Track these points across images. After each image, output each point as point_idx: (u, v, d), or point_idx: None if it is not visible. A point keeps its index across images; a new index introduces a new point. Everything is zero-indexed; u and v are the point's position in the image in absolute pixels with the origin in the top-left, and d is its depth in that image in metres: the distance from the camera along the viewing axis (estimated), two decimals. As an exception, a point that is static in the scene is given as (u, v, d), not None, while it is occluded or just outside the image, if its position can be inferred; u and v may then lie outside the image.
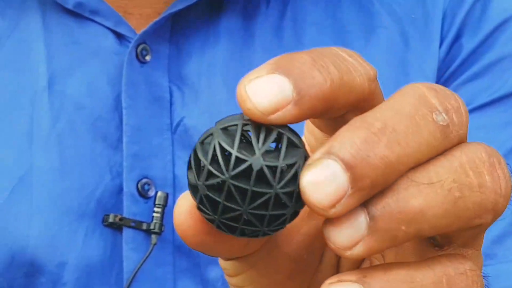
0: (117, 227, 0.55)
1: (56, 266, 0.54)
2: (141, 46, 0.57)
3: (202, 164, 0.25)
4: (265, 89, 0.24)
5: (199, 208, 0.26)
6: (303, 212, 0.27)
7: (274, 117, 0.24)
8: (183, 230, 0.27)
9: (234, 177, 0.25)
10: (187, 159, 0.58)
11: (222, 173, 0.25)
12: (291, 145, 0.25)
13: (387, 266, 0.26)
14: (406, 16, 0.60)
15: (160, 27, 0.57)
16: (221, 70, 0.58)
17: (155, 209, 0.55)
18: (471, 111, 0.59)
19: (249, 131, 0.25)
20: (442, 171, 0.25)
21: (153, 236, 0.55)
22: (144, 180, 0.55)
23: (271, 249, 0.31)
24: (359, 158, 0.24)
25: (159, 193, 0.55)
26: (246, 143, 0.25)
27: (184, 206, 0.27)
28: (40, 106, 0.55)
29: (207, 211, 0.25)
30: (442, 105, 0.25)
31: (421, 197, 0.25)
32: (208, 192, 0.25)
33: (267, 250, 0.31)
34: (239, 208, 0.25)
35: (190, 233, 0.27)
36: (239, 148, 0.25)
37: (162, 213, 0.55)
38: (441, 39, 0.60)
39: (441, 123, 0.25)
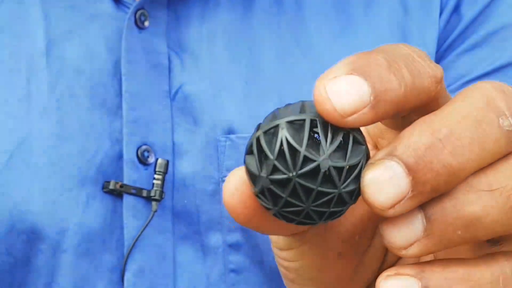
0: (117, 194, 0.54)
1: (56, 232, 0.53)
2: (139, 12, 0.56)
3: (266, 156, 0.25)
4: (345, 91, 0.24)
5: (258, 197, 0.26)
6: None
7: (350, 120, 0.24)
8: (232, 206, 0.27)
9: (300, 176, 0.25)
10: (186, 126, 0.57)
11: (289, 171, 0.25)
12: (356, 143, 0.25)
13: (445, 262, 0.26)
14: None
15: None
16: (221, 36, 0.57)
17: (156, 176, 0.55)
18: (470, 81, 0.60)
19: (315, 127, 0.25)
20: (503, 178, 0.25)
21: (154, 203, 0.55)
22: (143, 147, 0.55)
23: (325, 228, 0.31)
24: (422, 164, 0.24)
25: (159, 160, 0.55)
26: (313, 140, 0.25)
27: (235, 183, 0.27)
28: (38, 70, 0.54)
29: (267, 201, 0.26)
30: (510, 110, 0.25)
31: (480, 204, 0.25)
32: (271, 186, 0.25)
33: (320, 229, 0.31)
34: (302, 204, 0.25)
35: (240, 211, 0.27)
36: (307, 147, 0.25)
37: (163, 180, 0.55)
38: (441, 9, 0.60)
39: (507, 128, 0.25)
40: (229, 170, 0.56)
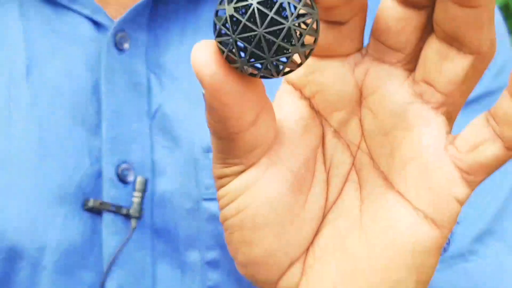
0: (96, 211, 0.55)
1: (36, 249, 0.54)
2: (119, 34, 0.58)
3: None
4: None
5: (219, 35, 0.29)
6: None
7: None
8: (200, 62, 0.30)
9: (260, 3, 0.28)
10: (165, 144, 0.57)
11: None
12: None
13: None
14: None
15: (137, 15, 0.58)
16: None
17: (135, 193, 0.55)
18: None
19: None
20: None
21: (133, 220, 0.55)
22: (123, 165, 0.56)
23: (274, 162, 0.33)
24: None
25: (138, 178, 0.56)
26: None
27: (202, 48, 0.30)
28: (18, 91, 0.56)
29: (227, 31, 0.29)
30: None
31: None
32: (234, 13, 0.28)
33: (268, 163, 0.32)
34: (256, 29, 0.28)
35: (207, 67, 0.30)
36: None
37: (142, 198, 0.56)
38: None
39: None
40: (208, 188, 0.57)
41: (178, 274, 0.57)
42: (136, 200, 0.55)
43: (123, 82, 0.57)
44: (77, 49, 0.57)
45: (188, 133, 0.57)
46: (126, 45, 0.58)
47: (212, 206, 0.57)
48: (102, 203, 0.55)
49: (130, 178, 0.56)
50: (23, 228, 0.53)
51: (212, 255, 0.57)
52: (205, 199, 0.57)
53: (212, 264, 0.57)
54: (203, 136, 0.57)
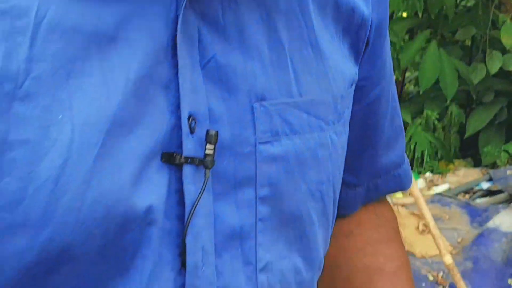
0: (177, 164, 0.57)
1: (139, 208, 0.55)
2: None
3: None
4: None
5: None
6: None
7: None
8: None
9: None
10: (220, 94, 0.61)
11: None
12: None
13: None
14: None
15: None
16: (247, 10, 0.61)
17: (208, 146, 0.58)
18: None
19: None
20: None
21: (207, 171, 0.58)
22: (191, 117, 0.58)
23: None
24: None
25: (210, 131, 0.58)
26: None
27: None
28: (108, 54, 0.55)
29: None
30: None
31: None
32: None
33: None
34: None
35: None
36: None
37: (214, 150, 0.58)
38: None
39: None
40: (264, 132, 0.62)
41: (234, 210, 0.61)
42: (209, 152, 0.58)
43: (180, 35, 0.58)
44: (158, 8, 0.57)
45: (242, 83, 0.60)
46: None
47: (268, 148, 0.62)
48: (178, 155, 0.57)
49: (197, 129, 0.58)
50: (128, 189, 0.55)
51: (264, 192, 0.62)
52: (261, 143, 0.62)
53: (263, 200, 0.62)
54: (257, 85, 0.61)
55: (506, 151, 4.44)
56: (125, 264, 0.56)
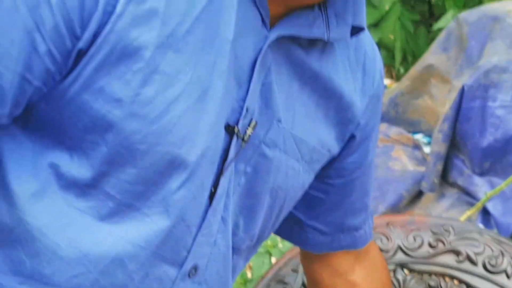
0: (231, 133, 0.85)
1: (196, 155, 0.83)
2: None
3: None
4: None
5: None
6: None
7: None
8: None
9: None
10: (261, 103, 0.94)
11: None
12: None
13: None
14: None
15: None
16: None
17: (249, 129, 0.87)
18: None
19: None
20: None
21: (243, 143, 0.87)
22: (247, 108, 0.87)
23: None
24: None
25: (253, 122, 0.87)
26: None
27: None
28: (223, 58, 0.82)
29: None
30: None
31: None
32: None
33: None
34: None
35: None
36: None
37: (251, 133, 0.88)
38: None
39: None
40: (269, 140, 0.93)
41: (249, 170, 0.91)
42: (249, 132, 0.87)
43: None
44: (250, 33, 0.85)
45: (274, 104, 0.90)
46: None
47: (266, 149, 0.91)
48: (236, 129, 0.86)
49: (248, 116, 0.87)
50: (192, 141, 0.82)
51: (248, 169, 0.91)
52: (265, 144, 0.91)
53: (246, 173, 0.91)
54: (280, 110, 0.91)
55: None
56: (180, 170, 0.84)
